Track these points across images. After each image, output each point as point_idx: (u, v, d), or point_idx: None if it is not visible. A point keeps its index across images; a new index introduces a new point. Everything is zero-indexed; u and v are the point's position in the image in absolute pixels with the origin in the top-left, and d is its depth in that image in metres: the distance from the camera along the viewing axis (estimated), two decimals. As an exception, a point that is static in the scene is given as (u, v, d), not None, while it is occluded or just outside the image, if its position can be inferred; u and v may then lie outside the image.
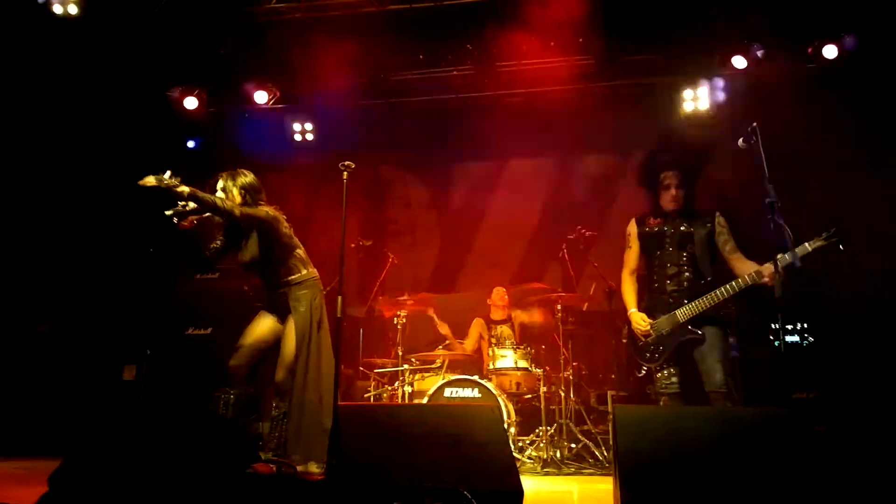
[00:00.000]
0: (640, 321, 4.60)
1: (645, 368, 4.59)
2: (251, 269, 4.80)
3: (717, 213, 4.60)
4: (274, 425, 4.63)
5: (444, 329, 7.14)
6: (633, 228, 4.81)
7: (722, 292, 4.37)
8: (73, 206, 7.27)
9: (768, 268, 4.14)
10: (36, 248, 7.03)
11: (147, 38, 6.93)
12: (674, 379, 4.49)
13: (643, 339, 4.59)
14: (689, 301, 4.46)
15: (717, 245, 4.55)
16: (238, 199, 4.68)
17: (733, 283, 4.34)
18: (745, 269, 4.38)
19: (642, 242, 4.75)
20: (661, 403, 4.47)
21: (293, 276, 4.75)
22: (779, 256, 3.89)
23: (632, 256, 4.80)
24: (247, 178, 4.79)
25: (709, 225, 4.57)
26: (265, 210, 4.69)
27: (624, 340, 4.81)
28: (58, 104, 7.07)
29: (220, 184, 4.72)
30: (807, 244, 4.14)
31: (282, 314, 4.75)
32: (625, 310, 4.80)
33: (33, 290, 6.98)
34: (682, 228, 4.60)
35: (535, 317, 6.98)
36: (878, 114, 6.54)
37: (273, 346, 4.75)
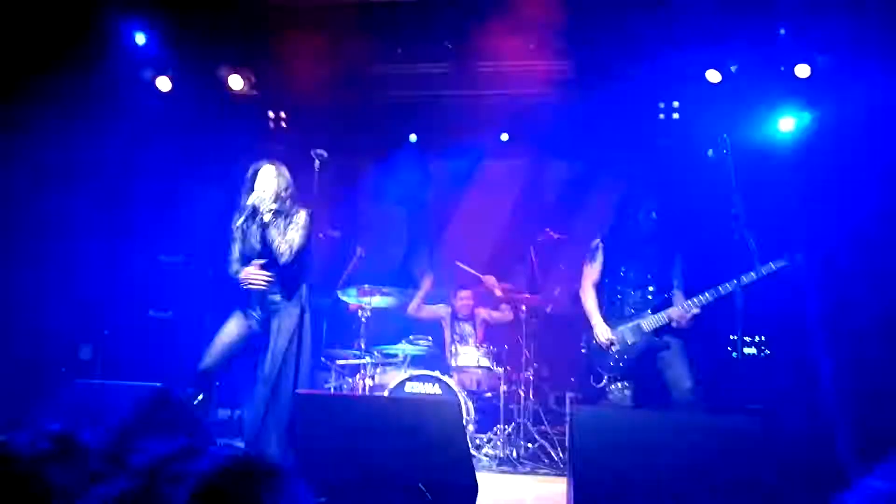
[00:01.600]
0: (604, 331, 4.70)
1: (606, 378, 4.67)
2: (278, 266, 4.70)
3: (678, 254, 4.89)
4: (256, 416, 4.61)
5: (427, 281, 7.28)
6: (599, 244, 4.98)
7: (689, 304, 4.48)
8: (32, 182, 7.11)
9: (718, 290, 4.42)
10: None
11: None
12: (627, 392, 4.61)
13: (606, 349, 4.67)
14: (654, 312, 4.58)
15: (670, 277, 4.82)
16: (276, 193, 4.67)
17: (698, 296, 4.47)
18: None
19: (608, 258, 4.90)
20: None
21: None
22: (743, 276, 4.02)
23: (595, 269, 4.95)
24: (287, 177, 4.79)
25: (671, 257, 4.84)
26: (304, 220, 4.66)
27: (583, 350, 4.89)
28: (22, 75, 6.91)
29: (270, 172, 4.71)
30: (771, 263, 4.34)
31: (259, 314, 4.67)
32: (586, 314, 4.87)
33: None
34: (648, 251, 4.81)
35: (504, 314, 7.00)
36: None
37: (243, 347, 4.69)
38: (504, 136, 8.15)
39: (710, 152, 4.17)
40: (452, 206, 8.50)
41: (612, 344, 4.66)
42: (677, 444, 3.22)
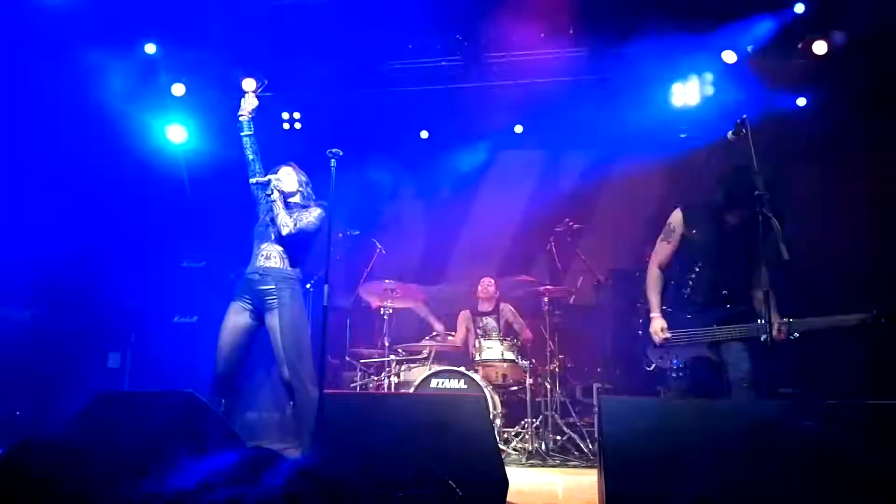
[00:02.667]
0: (659, 330, 4.33)
1: (655, 366, 4.42)
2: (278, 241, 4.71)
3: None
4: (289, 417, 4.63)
5: (438, 326, 7.19)
6: (679, 224, 4.37)
7: (751, 329, 4.14)
8: (58, 191, 7.17)
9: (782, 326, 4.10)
10: (18, 231, 6.93)
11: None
12: (683, 376, 4.34)
13: (658, 345, 4.37)
14: (719, 325, 4.21)
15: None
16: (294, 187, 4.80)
17: (764, 327, 3.95)
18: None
19: (685, 243, 4.35)
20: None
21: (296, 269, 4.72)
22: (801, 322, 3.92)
23: (668, 249, 4.41)
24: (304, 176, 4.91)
25: (753, 260, 4.08)
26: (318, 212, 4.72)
27: (640, 332, 4.54)
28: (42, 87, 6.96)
29: (289, 169, 4.83)
30: (853, 316, 4.02)
31: (256, 307, 4.64)
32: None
33: (15, 276, 6.90)
34: (731, 251, 4.20)
35: (522, 331, 7.00)
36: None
37: (249, 340, 4.67)
38: (518, 128, 8.11)
39: (730, 134, 4.03)
40: (470, 199, 8.48)
41: (664, 344, 4.32)
42: (708, 432, 3.18)
